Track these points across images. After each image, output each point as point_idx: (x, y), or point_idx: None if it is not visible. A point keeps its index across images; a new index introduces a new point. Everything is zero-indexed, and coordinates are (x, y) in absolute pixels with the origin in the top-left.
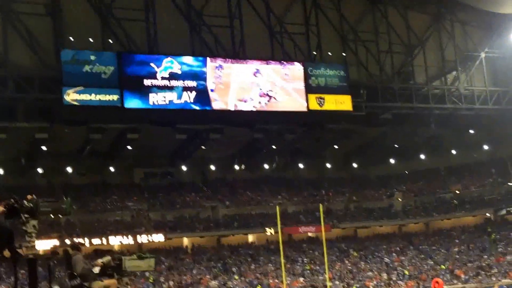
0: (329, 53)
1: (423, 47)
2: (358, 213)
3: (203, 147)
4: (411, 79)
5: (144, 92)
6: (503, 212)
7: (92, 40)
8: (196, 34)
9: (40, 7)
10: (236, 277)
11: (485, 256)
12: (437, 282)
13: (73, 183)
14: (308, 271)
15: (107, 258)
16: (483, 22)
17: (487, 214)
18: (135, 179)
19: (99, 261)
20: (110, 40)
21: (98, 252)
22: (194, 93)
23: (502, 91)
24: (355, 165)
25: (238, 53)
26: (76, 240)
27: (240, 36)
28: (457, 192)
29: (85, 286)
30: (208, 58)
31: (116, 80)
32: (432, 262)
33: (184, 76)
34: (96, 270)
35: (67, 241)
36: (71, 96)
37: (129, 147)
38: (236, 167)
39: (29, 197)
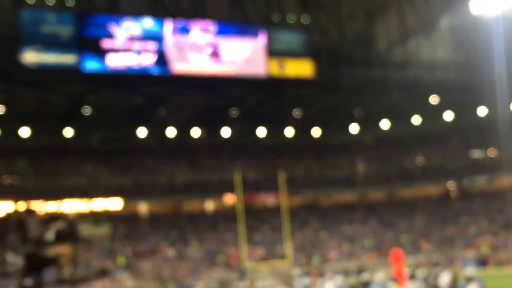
0: (291, 18)
1: (384, 13)
2: (319, 181)
3: (162, 111)
4: (372, 45)
5: (103, 54)
6: (466, 182)
7: (51, 0)
8: None
9: None
10: (194, 245)
11: (449, 228)
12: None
13: (29, 146)
14: (268, 241)
15: (62, 224)
16: None
17: (450, 185)
18: (93, 142)
19: (53, 227)
20: (69, 1)
21: (53, 218)
22: (153, 55)
23: (463, 59)
24: (316, 132)
25: (197, 15)
26: (30, 204)
27: None
28: (420, 161)
29: (38, 253)
30: (166, 20)
31: (75, 41)
32: (394, 233)
33: (143, 38)
34: (50, 236)
35: (21, 206)
36: (29, 57)
37: (87, 110)
38: (195, 132)
39: None
